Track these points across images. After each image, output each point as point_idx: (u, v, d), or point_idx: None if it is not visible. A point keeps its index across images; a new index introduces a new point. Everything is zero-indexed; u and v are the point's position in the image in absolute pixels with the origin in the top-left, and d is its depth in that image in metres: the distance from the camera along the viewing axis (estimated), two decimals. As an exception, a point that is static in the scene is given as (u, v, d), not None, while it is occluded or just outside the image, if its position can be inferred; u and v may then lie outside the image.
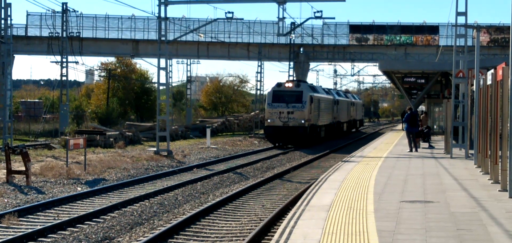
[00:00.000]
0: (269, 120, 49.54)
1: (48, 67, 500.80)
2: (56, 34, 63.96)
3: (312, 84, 60.65)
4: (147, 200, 22.23)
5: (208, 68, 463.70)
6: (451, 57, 37.17)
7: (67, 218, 18.24)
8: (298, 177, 30.20)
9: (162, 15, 40.08)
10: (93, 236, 16.34)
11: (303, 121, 48.85)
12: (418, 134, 34.81)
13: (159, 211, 20.28)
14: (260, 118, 67.54)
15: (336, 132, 63.93)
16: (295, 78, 70.26)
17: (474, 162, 25.67)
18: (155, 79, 79.46)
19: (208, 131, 50.65)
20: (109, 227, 17.35)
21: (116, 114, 72.43)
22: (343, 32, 79.94)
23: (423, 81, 54.13)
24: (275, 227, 17.07)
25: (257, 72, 71.53)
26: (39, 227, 17.00)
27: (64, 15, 60.00)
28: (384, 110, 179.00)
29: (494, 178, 19.01)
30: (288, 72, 75.07)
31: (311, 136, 50.82)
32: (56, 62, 60.26)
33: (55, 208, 20.42)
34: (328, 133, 59.08)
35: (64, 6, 59.78)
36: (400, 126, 72.31)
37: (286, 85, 51.30)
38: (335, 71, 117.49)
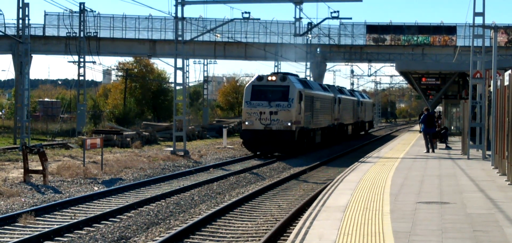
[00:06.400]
0: (247, 123, 40.01)
1: (65, 67, 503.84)
2: (74, 34, 64.40)
3: (304, 78, 54.02)
4: (163, 200, 22.27)
5: (224, 68, 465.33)
6: (468, 58, 37.06)
7: (84, 218, 18.31)
8: (314, 178, 30.15)
9: (179, 15, 40.21)
10: (110, 236, 16.39)
11: (289, 124, 39.66)
12: (435, 135, 34.73)
13: (175, 211, 20.31)
14: None
15: (338, 137, 55.51)
16: (308, 73, 69.58)
17: (491, 163, 25.54)
18: (172, 79, 79.67)
19: (225, 131, 50.65)
20: (125, 227, 17.40)
21: (133, 114, 72.68)
22: (360, 33, 79.80)
23: (440, 81, 53.93)
24: (291, 227, 17.06)
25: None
26: (55, 227, 17.07)
27: (82, 15, 60.43)
28: (401, 111, 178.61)
29: (511, 180, 18.92)
30: (305, 72, 75.07)
31: (300, 142, 41.59)
32: (74, 62, 60.72)
33: (72, 208, 20.50)
34: (326, 138, 50.46)
35: (82, 6, 60.21)
36: (417, 127, 72.04)
37: (269, 78, 40.95)
38: (352, 71, 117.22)
